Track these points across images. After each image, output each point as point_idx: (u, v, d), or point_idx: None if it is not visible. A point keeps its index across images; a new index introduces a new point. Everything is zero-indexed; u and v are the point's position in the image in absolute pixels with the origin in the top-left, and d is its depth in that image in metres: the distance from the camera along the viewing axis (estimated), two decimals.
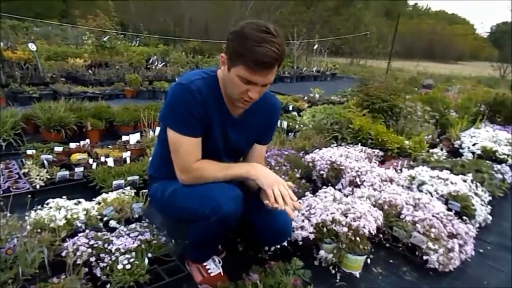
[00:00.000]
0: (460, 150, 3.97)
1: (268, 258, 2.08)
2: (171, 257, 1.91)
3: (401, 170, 3.01)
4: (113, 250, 1.74)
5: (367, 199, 2.35)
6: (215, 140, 1.67)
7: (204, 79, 1.58)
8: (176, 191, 1.67)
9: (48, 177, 2.71)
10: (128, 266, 1.65)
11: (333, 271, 1.96)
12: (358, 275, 1.95)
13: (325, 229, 1.96)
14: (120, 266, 1.64)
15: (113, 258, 1.71)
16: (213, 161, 1.62)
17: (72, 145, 3.33)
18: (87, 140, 3.44)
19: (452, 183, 2.75)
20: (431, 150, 3.71)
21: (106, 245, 1.78)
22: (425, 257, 2.05)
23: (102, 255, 1.73)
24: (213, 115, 1.60)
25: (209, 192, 1.56)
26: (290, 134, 4.02)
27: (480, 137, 4.07)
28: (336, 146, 3.36)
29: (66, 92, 5.74)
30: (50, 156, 3.01)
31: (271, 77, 1.48)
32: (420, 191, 2.66)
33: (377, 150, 3.54)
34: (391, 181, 2.70)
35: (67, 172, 2.74)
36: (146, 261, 1.71)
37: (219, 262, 1.87)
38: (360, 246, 1.94)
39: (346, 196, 2.41)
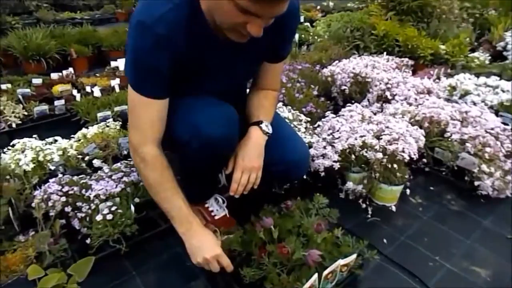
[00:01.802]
0: (505, 53, 3.38)
1: (284, 192, 1.74)
2: None
3: (438, 79, 2.51)
4: (91, 197, 1.41)
5: (402, 116, 1.91)
6: (213, 79, 1.24)
7: (177, 7, 1.03)
8: None
9: (25, 113, 2.34)
10: (109, 216, 1.33)
11: (363, 205, 1.62)
12: (393, 208, 1.60)
13: (353, 156, 1.57)
14: (99, 217, 1.32)
15: (93, 206, 1.38)
16: (167, 172, 1.18)
17: (54, 75, 2.91)
18: (70, 69, 3.01)
19: (503, 91, 2.27)
20: (470, 55, 3.14)
21: (84, 191, 1.45)
22: (476, 183, 1.67)
23: (79, 203, 1.41)
24: (201, 52, 1.13)
25: (189, 112, 1.16)
26: (302, 47, 3.47)
27: None
28: (359, 56, 2.84)
29: (51, 20, 5.17)
30: (28, 90, 2.61)
31: (284, 5, 0.94)
32: (463, 103, 2.19)
33: (406, 59, 3.01)
34: (429, 92, 2.23)
35: (45, 107, 2.36)
36: (133, 208, 1.39)
37: (224, 202, 1.54)
38: (397, 174, 1.56)
39: (375, 114, 1.97)
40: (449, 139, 1.79)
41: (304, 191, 1.70)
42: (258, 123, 1.28)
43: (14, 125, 2.24)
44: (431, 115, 1.86)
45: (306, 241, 1.23)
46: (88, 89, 2.68)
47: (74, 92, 2.65)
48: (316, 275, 1.05)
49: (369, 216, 1.58)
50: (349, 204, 1.66)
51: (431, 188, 1.80)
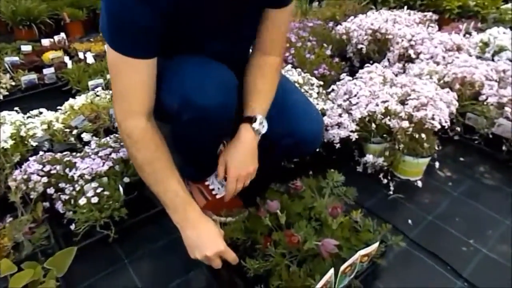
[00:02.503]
0: None
1: (294, 166, 1.55)
2: None
3: (468, 34, 2.22)
4: (75, 177, 1.25)
5: (429, 77, 1.67)
6: (213, 39, 1.04)
7: None
8: None
9: (13, 83, 2.17)
10: (94, 199, 1.17)
11: (384, 180, 1.42)
12: (419, 183, 1.41)
13: (373, 125, 1.36)
14: (83, 201, 1.16)
15: (77, 187, 1.22)
16: (160, 150, 0.98)
17: (45, 41, 2.71)
18: (62, 35, 2.79)
19: None
20: (503, 6, 2.80)
21: (68, 170, 1.28)
22: None
23: (62, 184, 1.25)
24: (196, 5, 0.92)
25: (177, 76, 0.97)
26: (314, 3, 3.16)
27: None
28: (377, 11, 2.54)
29: None
30: (17, 58, 2.42)
31: None
32: (498, 61, 1.92)
33: (430, 13, 2.69)
34: (459, 49, 1.96)
35: (34, 76, 2.18)
36: (121, 189, 1.22)
37: (225, 179, 1.36)
38: (425, 145, 1.35)
39: (397, 75, 1.73)
40: (484, 103, 1.55)
41: (316, 165, 1.52)
42: (251, 119, 1.07)
43: (1, 97, 2.07)
44: (463, 75, 1.61)
45: (319, 225, 1.05)
46: (81, 55, 2.48)
47: (66, 59, 2.45)
48: (332, 271, 0.88)
49: (391, 192, 1.39)
50: (368, 179, 1.47)
51: (461, 159, 1.58)
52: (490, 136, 1.53)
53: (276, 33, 1.12)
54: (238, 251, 1.05)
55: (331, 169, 1.19)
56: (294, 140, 1.22)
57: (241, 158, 1.08)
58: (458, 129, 1.62)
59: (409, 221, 1.28)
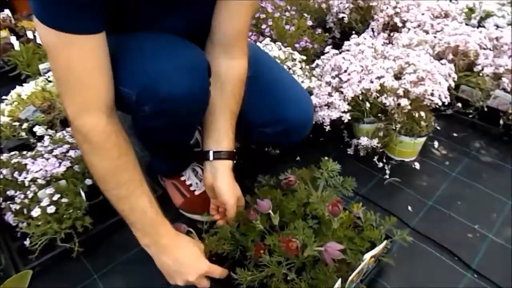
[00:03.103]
0: None
1: (280, 152, 1.41)
2: None
3: (455, 0, 2.10)
4: (26, 182, 1.05)
5: (420, 47, 1.54)
6: (172, 13, 0.86)
7: None
8: None
9: None
10: (51, 209, 0.98)
11: (380, 163, 1.31)
12: (417, 165, 1.30)
13: (367, 104, 1.22)
14: (36, 212, 0.97)
15: (30, 195, 1.03)
16: (125, 156, 0.80)
17: None
18: (7, 12, 2.46)
19: None
20: None
21: (17, 174, 1.08)
22: None
23: (11, 192, 1.05)
24: None
25: (135, 58, 0.78)
26: None
27: None
28: None
29: None
30: None
31: None
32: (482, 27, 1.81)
33: None
34: (446, 16, 1.84)
35: None
36: (83, 194, 1.04)
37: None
38: (422, 123, 1.24)
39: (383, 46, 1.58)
40: (480, 74, 1.44)
41: (303, 149, 1.39)
42: (222, 155, 0.95)
43: None
44: (456, 45, 1.49)
45: (317, 224, 0.93)
46: (30, 35, 2.19)
47: (13, 39, 2.15)
48: (339, 282, 0.75)
49: (387, 176, 1.28)
50: (360, 163, 1.35)
51: (455, 135, 1.49)
52: (486, 109, 1.44)
53: (238, 20, 0.91)
54: (226, 261, 0.91)
55: (320, 152, 1.06)
56: (282, 128, 1.08)
57: (227, 187, 0.95)
58: (450, 102, 1.51)
59: (409, 207, 1.18)
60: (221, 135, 0.95)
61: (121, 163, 0.77)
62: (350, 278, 0.78)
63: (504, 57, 1.43)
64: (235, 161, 0.99)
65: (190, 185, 1.20)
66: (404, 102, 1.13)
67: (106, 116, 0.75)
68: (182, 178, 1.21)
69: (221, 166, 0.95)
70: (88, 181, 1.08)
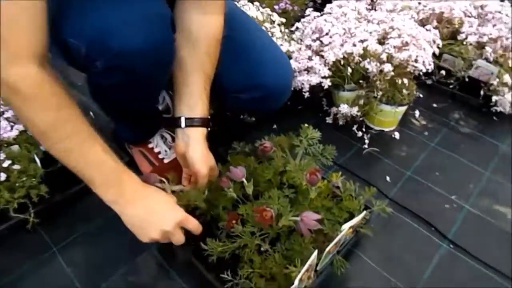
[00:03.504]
0: None
1: (256, 119, 1.35)
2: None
3: None
4: None
5: (405, 12, 1.48)
6: None
7: None
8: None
9: None
10: (2, 176, 0.88)
11: (359, 132, 1.26)
12: (397, 135, 1.27)
13: (349, 70, 1.16)
14: None
15: None
16: (67, 108, 0.68)
17: None
18: None
19: None
20: None
21: None
22: (494, 98, 1.34)
23: None
24: None
25: (85, 7, 0.67)
26: None
27: None
28: None
29: None
30: None
31: None
32: None
33: None
34: None
35: None
36: (38, 161, 0.94)
37: (174, 139, 1.13)
38: (404, 91, 1.19)
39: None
40: (463, 43, 1.40)
41: (280, 117, 1.32)
42: (195, 121, 0.88)
43: None
44: (441, 11, 1.44)
45: (294, 194, 0.88)
46: None
47: None
48: (315, 253, 0.71)
49: (366, 146, 1.24)
50: (339, 132, 1.31)
51: (435, 105, 1.46)
52: (467, 79, 1.41)
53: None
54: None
55: (298, 121, 0.99)
56: (259, 94, 1.00)
57: (203, 151, 0.89)
58: (430, 72, 1.47)
59: (387, 178, 1.15)
60: (194, 99, 0.87)
61: (62, 114, 0.67)
62: (327, 249, 0.74)
63: (488, 25, 1.39)
64: (209, 129, 0.91)
65: (159, 152, 1.12)
66: (387, 67, 1.07)
67: (36, 65, 0.63)
68: (150, 146, 1.13)
69: (194, 134, 0.87)
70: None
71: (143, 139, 1.12)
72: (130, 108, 0.94)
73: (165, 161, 1.12)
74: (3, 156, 0.91)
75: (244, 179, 0.85)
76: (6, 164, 0.89)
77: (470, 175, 1.17)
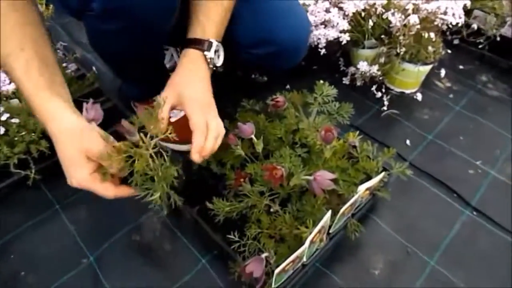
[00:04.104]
0: None
1: (268, 80, 1.28)
2: (102, 95, 1.10)
3: None
4: None
5: None
6: None
7: None
8: None
9: None
10: (1, 130, 0.85)
11: (378, 93, 1.18)
12: (419, 96, 1.18)
13: (370, 23, 1.06)
14: None
15: None
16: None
17: None
18: None
19: None
20: None
21: None
22: None
23: None
24: None
25: None
26: None
27: None
28: None
29: None
30: None
31: None
32: None
33: None
34: None
35: None
36: None
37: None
38: (429, 48, 1.09)
39: None
40: None
41: (294, 77, 1.25)
42: (201, 44, 0.75)
43: None
44: None
45: (307, 153, 0.82)
46: None
47: None
48: (329, 214, 0.66)
49: (385, 108, 1.16)
50: (357, 93, 1.23)
51: (461, 67, 1.35)
52: (498, 39, 1.29)
53: None
54: (204, 186, 0.81)
55: (312, 81, 0.91)
56: (274, 49, 0.93)
57: (201, 98, 0.74)
58: (458, 30, 1.36)
59: (407, 141, 1.07)
60: (209, 24, 0.77)
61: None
62: (341, 211, 0.68)
63: None
64: (216, 68, 0.82)
65: None
66: (413, 19, 0.97)
67: None
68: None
69: (199, 62, 0.75)
70: None
71: (149, 97, 1.06)
72: (132, 59, 0.88)
73: (172, 119, 1.06)
74: (1, 109, 0.87)
75: (253, 136, 0.79)
76: (4, 117, 0.85)
77: (496, 141, 1.09)
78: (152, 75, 1.03)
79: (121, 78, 1.05)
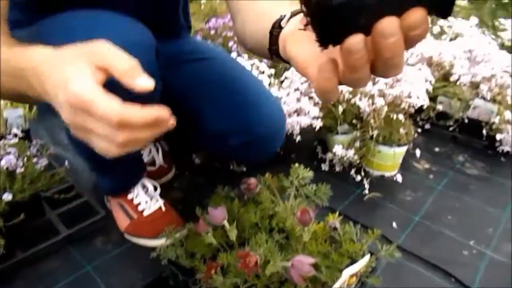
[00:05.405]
0: None
1: (246, 170, 1.26)
2: (73, 190, 1.06)
3: None
4: None
5: None
6: None
7: None
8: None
9: None
10: None
11: (357, 177, 1.17)
12: (399, 178, 1.16)
13: (340, 109, 1.10)
14: None
15: None
16: None
17: None
18: None
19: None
20: None
21: None
22: (498, 136, 1.26)
23: None
24: None
25: (66, 34, 0.61)
26: None
27: None
28: None
29: None
30: None
31: None
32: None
33: None
34: None
35: None
36: None
37: (156, 190, 1.03)
38: (401, 130, 1.12)
39: None
40: (456, 83, 1.37)
41: (273, 166, 1.23)
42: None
43: None
44: (430, 55, 1.43)
45: (285, 239, 0.76)
46: None
47: None
48: None
49: (367, 192, 1.13)
50: (337, 179, 1.21)
51: (436, 149, 1.38)
52: (466, 121, 1.35)
53: None
54: (174, 283, 0.72)
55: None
56: (249, 138, 0.93)
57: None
58: (427, 115, 1.43)
59: (393, 224, 1.02)
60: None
61: None
62: None
63: (479, 65, 1.37)
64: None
65: (139, 204, 1.01)
66: (380, 102, 1.01)
67: None
68: (129, 196, 1.02)
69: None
70: (7, 196, 0.88)
71: (122, 190, 1.02)
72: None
73: (145, 213, 1.00)
74: None
75: (225, 222, 0.73)
76: None
77: (486, 218, 1.05)
78: (129, 169, 1.01)
79: (96, 171, 1.02)
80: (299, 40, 0.43)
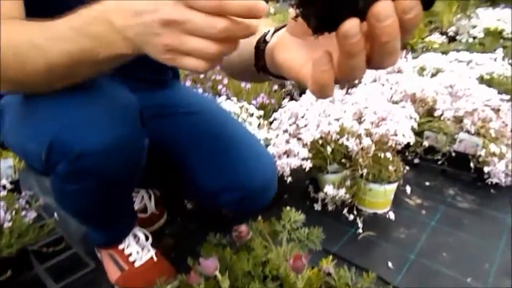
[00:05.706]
0: (458, 37, 3.19)
1: (238, 216, 1.25)
2: (62, 243, 1.03)
3: (404, 58, 2.19)
4: None
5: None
6: None
7: None
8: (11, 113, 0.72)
9: None
10: None
11: (350, 216, 1.16)
12: (392, 215, 1.16)
13: (328, 149, 1.12)
14: None
15: None
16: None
17: None
18: None
19: (478, 64, 1.98)
20: (427, 39, 2.91)
21: None
22: (486, 169, 1.28)
23: None
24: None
25: (44, 106, 0.62)
26: None
27: (479, 19, 3.30)
28: None
29: None
30: None
31: None
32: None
33: None
34: (400, 72, 1.88)
35: None
36: None
37: (147, 239, 1.01)
38: (390, 167, 1.13)
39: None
40: (441, 118, 1.40)
41: (265, 208, 1.22)
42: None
43: None
44: (412, 92, 1.47)
45: (279, 287, 0.74)
46: None
47: None
48: None
49: (360, 231, 1.13)
50: (330, 218, 1.20)
51: (427, 183, 1.39)
52: (453, 154, 1.37)
53: None
54: None
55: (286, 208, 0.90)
56: (240, 195, 0.92)
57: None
58: (415, 151, 1.45)
59: (389, 263, 1.01)
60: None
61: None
62: None
63: (461, 100, 1.41)
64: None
65: (130, 254, 0.99)
66: (367, 141, 1.03)
67: None
68: (121, 247, 1.00)
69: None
70: None
71: (113, 241, 1.00)
72: (99, 211, 0.85)
73: (136, 264, 0.98)
74: None
75: (217, 273, 0.72)
76: None
77: (481, 253, 1.04)
78: (120, 221, 1.00)
79: (87, 225, 1.00)
80: (287, 47, 0.44)
